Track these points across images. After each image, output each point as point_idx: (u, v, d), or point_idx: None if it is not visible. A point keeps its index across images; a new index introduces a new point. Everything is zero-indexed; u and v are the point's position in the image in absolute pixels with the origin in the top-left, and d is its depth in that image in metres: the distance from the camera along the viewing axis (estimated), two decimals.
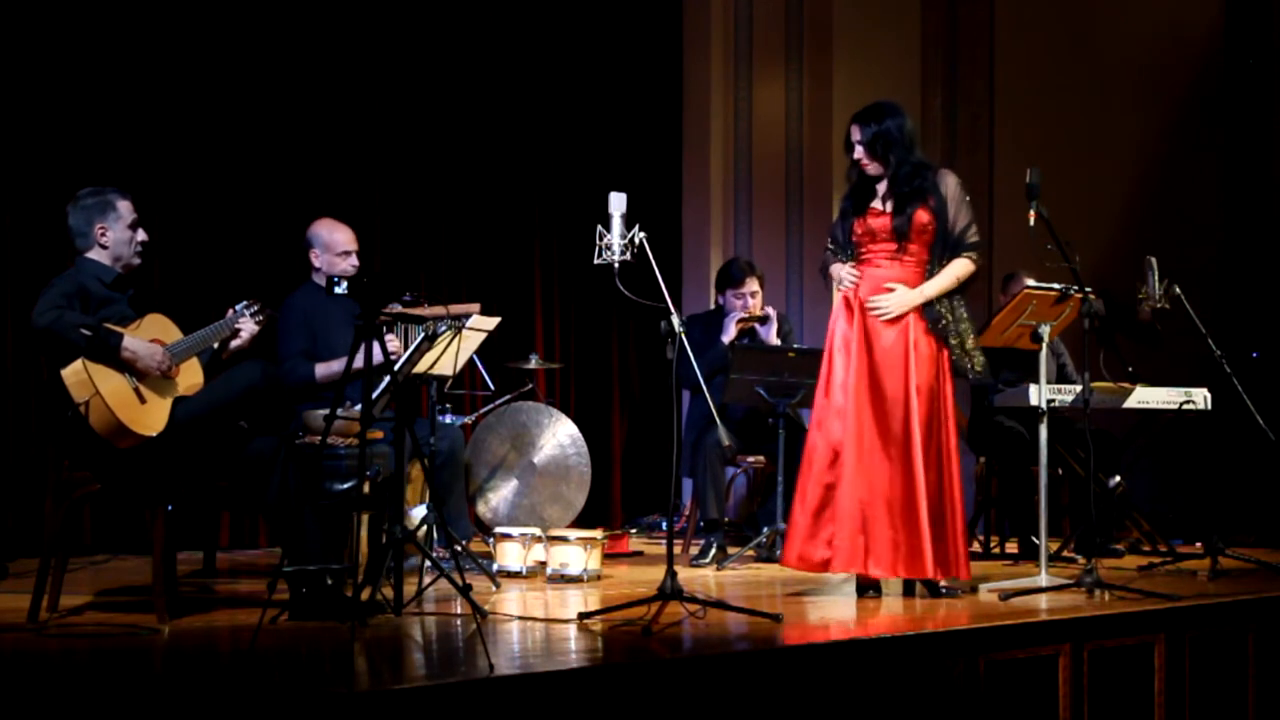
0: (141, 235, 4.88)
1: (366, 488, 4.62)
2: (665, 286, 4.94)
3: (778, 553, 6.45)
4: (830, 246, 5.35)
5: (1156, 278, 6.40)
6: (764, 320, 6.85)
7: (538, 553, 5.86)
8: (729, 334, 6.78)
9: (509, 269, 8.60)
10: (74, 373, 4.48)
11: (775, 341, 6.81)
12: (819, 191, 9.00)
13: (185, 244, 7.22)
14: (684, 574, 5.30)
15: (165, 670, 3.84)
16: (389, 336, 5.63)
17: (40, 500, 4.82)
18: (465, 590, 4.41)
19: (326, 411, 4.41)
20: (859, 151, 5.23)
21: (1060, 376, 7.12)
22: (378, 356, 4.38)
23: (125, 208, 4.85)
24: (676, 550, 5.97)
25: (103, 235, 4.80)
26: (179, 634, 4.31)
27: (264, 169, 7.51)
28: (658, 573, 4.80)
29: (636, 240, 4.77)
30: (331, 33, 7.80)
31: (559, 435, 7.36)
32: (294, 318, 5.81)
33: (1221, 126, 8.93)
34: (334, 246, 5.87)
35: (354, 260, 5.88)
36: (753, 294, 6.88)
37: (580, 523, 7.37)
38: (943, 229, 5.17)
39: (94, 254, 4.81)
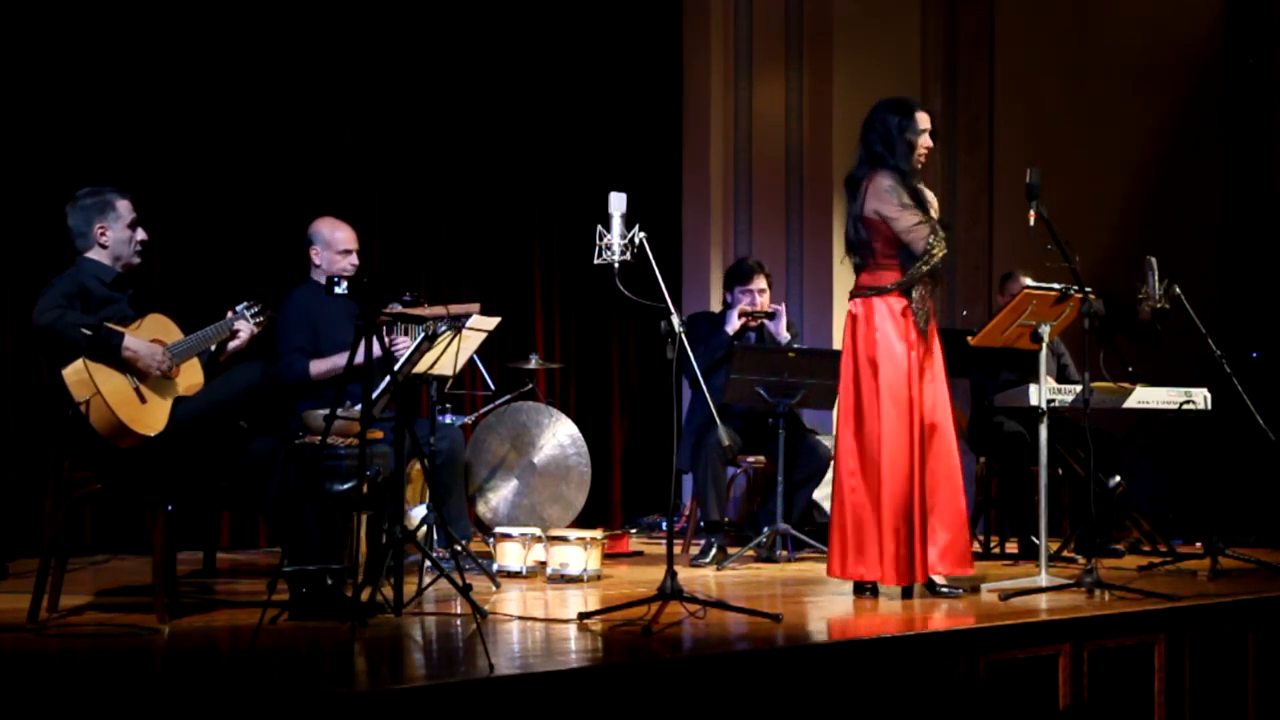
0: (141, 234, 4.88)
1: (366, 488, 4.62)
2: (665, 286, 4.94)
3: (778, 553, 6.48)
4: (927, 222, 5.08)
5: (1156, 278, 6.40)
6: (772, 316, 6.89)
7: (538, 553, 5.86)
8: (732, 325, 6.82)
9: (509, 269, 8.60)
10: (75, 372, 4.48)
11: (785, 335, 6.86)
12: (819, 191, 8.99)
13: (185, 244, 7.22)
14: (684, 574, 5.31)
15: (165, 670, 3.84)
16: (401, 339, 5.63)
17: (40, 500, 4.82)
18: (465, 590, 4.41)
19: (326, 411, 4.41)
20: (930, 143, 5.19)
21: (1060, 376, 7.12)
22: (378, 354, 4.38)
23: (124, 207, 4.85)
24: (676, 550, 5.97)
25: (102, 235, 4.80)
26: (179, 634, 4.31)
27: (264, 169, 7.51)
28: (658, 573, 4.80)
29: (636, 240, 4.77)
30: (332, 33, 7.80)
31: (559, 435, 7.36)
32: (295, 314, 5.81)
33: (1221, 126, 8.93)
34: (335, 245, 5.88)
35: (354, 259, 5.89)
36: (760, 291, 6.93)
37: (580, 523, 7.37)
38: None
39: (94, 254, 4.81)
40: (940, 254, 5.07)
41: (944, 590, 5.17)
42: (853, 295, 5.23)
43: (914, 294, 5.12)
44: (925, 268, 5.08)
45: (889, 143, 5.12)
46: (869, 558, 5.08)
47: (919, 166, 5.18)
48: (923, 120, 5.17)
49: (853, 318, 5.19)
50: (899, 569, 5.04)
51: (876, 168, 5.14)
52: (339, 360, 5.63)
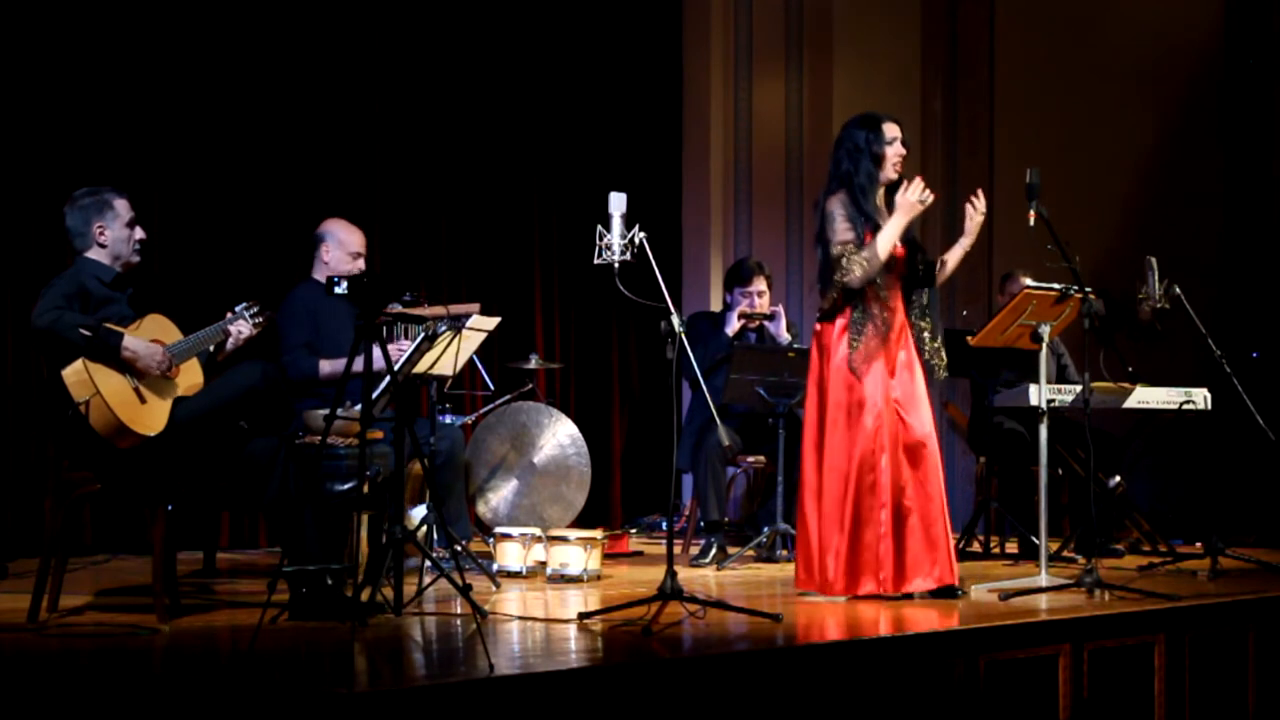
0: (139, 233, 4.88)
1: (366, 488, 4.62)
2: (665, 286, 4.94)
3: (778, 553, 6.48)
4: (842, 245, 5.09)
5: (1156, 278, 6.40)
6: (771, 317, 6.90)
7: (538, 553, 5.86)
8: (732, 326, 6.84)
9: (509, 269, 8.60)
10: (74, 372, 4.48)
11: (786, 336, 6.88)
12: (819, 191, 8.97)
13: (185, 244, 7.21)
14: (684, 574, 5.30)
15: (165, 670, 3.84)
16: (404, 341, 5.62)
17: (40, 500, 4.82)
18: (465, 590, 4.41)
19: (326, 411, 4.42)
20: (902, 151, 5.17)
21: (1060, 376, 7.11)
22: (379, 360, 4.38)
23: (122, 206, 4.86)
24: (676, 550, 5.97)
25: (101, 234, 4.80)
26: (179, 634, 4.31)
27: (264, 169, 7.50)
28: (658, 573, 4.80)
29: (636, 240, 4.77)
30: (332, 32, 7.80)
31: (559, 435, 7.36)
32: (297, 311, 5.82)
33: (1221, 126, 8.93)
34: (347, 246, 5.91)
35: (362, 264, 5.92)
36: (760, 293, 6.94)
37: (580, 523, 7.37)
38: None
39: (93, 253, 4.81)
40: (839, 278, 5.05)
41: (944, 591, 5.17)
42: (817, 319, 5.25)
43: (852, 319, 5.12)
44: (833, 291, 5.09)
45: (855, 158, 5.14)
46: (810, 570, 5.14)
47: (896, 175, 5.17)
48: (890, 130, 5.16)
49: (815, 338, 5.23)
50: (824, 581, 5.07)
51: (837, 189, 5.16)
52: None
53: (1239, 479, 7.95)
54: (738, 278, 7.02)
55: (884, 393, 5.09)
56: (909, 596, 5.12)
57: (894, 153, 5.16)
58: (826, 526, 5.09)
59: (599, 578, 5.77)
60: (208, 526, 6.28)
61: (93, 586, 5.40)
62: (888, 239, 5.08)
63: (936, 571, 5.08)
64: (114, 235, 4.82)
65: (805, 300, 9.07)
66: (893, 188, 5.19)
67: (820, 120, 9.07)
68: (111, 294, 4.77)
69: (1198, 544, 6.95)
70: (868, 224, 5.10)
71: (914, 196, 5.06)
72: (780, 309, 6.98)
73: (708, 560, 6.46)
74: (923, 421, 5.15)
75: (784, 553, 6.49)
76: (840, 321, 5.14)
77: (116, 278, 4.82)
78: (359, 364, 4.41)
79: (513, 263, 8.63)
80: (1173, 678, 4.77)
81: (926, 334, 5.22)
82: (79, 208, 4.82)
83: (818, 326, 5.23)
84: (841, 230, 5.09)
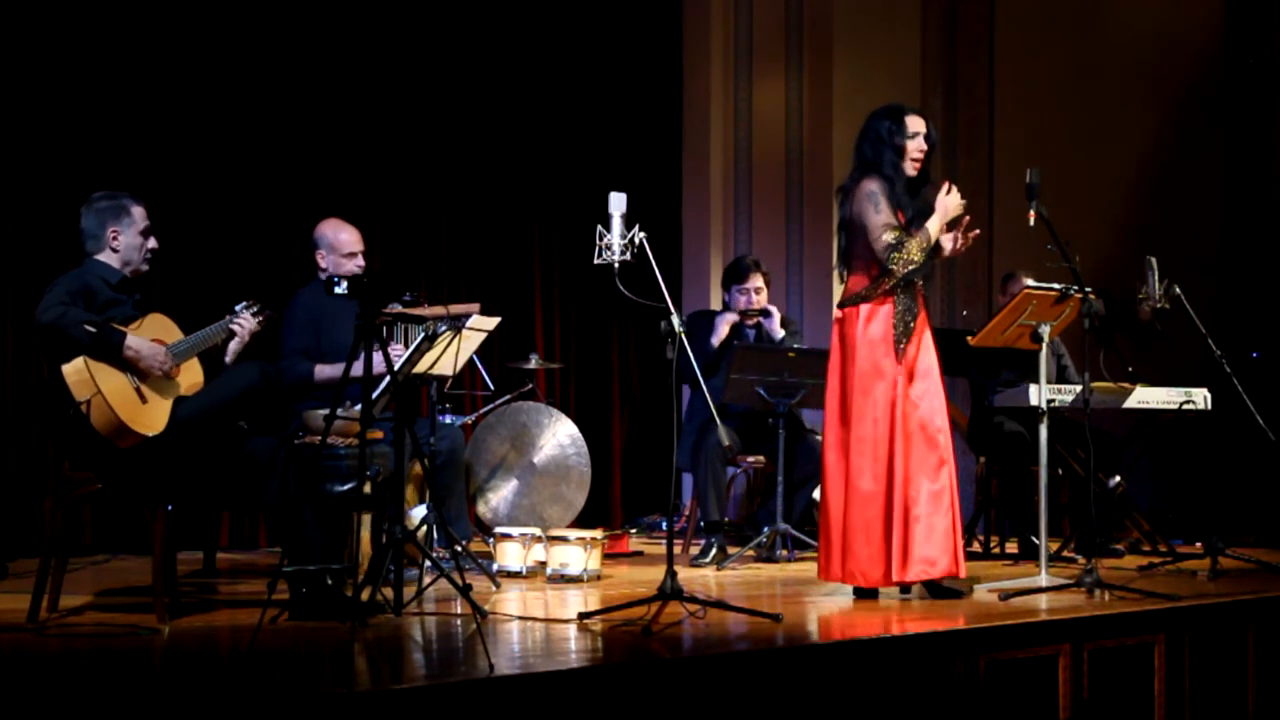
0: (153, 243, 4.89)
1: (367, 488, 4.62)
2: (665, 286, 4.95)
3: (778, 552, 6.48)
4: (896, 230, 5.05)
5: (1156, 278, 6.40)
6: (766, 314, 6.88)
7: (538, 553, 5.86)
8: (719, 334, 6.80)
9: (509, 269, 8.60)
10: (75, 371, 4.48)
11: (779, 333, 6.83)
12: (819, 191, 8.99)
13: (186, 245, 7.20)
14: (684, 574, 5.30)
15: (165, 670, 3.85)
16: (398, 347, 5.61)
17: (40, 500, 4.82)
18: (465, 590, 4.41)
19: (326, 411, 4.42)
20: (924, 147, 5.16)
21: (1060, 376, 7.11)
22: (379, 361, 4.38)
23: (139, 213, 4.86)
24: (676, 550, 5.97)
25: (114, 239, 4.81)
26: (179, 634, 4.31)
27: (265, 169, 7.50)
28: (658, 573, 4.81)
29: (636, 240, 4.77)
30: (332, 34, 7.80)
31: (559, 435, 7.36)
32: (298, 315, 5.81)
33: (1221, 126, 8.92)
34: (340, 247, 5.85)
35: (360, 261, 5.86)
36: (756, 290, 6.91)
37: (580, 523, 7.37)
38: None
39: (103, 256, 4.81)
40: (900, 268, 5.05)
41: (943, 590, 5.17)
42: (839, 304, 5.22)
43: (898, 304, 5.12)
44: (889, 280, 5.09)
45: (878, 149, 5.12)
46: (837, 561, 5.11)
47: (913, 172, 5.16)
48: (913, 124, 5.13)
49: (838, 324, 5.20)
50: (866, 572, 5.06)
51: (865, 175, 5.14)
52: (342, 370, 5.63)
53: (1239, 479, 7.95)
54: (734, 275, 7.00)
55: (910, 382, 5.09)
56: (907, 589, 5.14)
57: (915, 147, 5.12)
58: (857, 517, 5.06)
59: (599, 578, 5.78)
60: (208, 526, 6.28)
61: (93, 586, 5.40)
62: (935, 231, 5.11)
63: (944, 561, 5.08)
64: (126, 241, 4.82)
65: (805, 299, 9.07)
66: (912, 183, 5.17)
67: (820, 120, 9.07)
68: (116, 296, 4.77)
69: (1198, 544, 6.95)
70: (901, 211, 5.10)
71: (955, 200, 5.12)
72: (774, 307, 6.95)
73: (708, 560, 6.46)
74: (943, 411, 5.16)
75: (784, 553, 6.50)
76: (877, 309, 5.10)
77: (123, 281, 4.82)
78: (358, 366, 4.41)
79: (513, 263, 8.63)
80: (1173, 678, 4.77)
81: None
82: (95, 211, 4.83)
83: (839, 313, 5.18)
84: (887, 213, 5.07)
